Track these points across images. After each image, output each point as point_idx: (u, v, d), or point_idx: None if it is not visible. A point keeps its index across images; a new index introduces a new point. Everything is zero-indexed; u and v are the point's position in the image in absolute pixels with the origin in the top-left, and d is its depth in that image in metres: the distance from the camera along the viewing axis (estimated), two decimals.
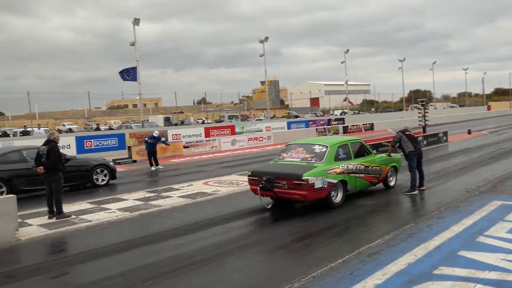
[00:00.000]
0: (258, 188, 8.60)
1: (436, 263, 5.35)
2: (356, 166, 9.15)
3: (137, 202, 10.10)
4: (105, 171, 13.20)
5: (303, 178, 8.01)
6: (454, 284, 4.70)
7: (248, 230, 7.43)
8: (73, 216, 8.88)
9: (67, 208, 9.44)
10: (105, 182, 13.12)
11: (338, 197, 8.70)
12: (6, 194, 10.71)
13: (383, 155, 10.53)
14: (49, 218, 8.77)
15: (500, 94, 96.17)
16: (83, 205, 10.09)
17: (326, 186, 8.30)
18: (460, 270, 5.08)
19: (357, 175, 9.13)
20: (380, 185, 10.38)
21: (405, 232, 6.78)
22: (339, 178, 8.65)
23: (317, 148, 8.96)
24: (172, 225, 7.98)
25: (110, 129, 33.99)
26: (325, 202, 8.51)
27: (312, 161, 8.67)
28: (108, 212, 9.18)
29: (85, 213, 9.21)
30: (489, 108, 69.62)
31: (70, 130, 37.05)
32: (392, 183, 10.50)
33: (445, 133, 22.68)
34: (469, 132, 26.25)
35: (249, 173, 9.17)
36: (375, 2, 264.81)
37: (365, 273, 5.11)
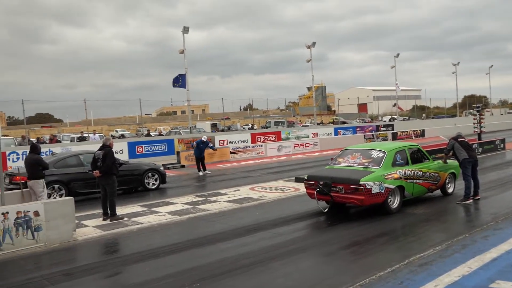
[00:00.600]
0: (315, 192, 8.72)
1: (493, 276, 5.09)
2: (414, 172, 9.05)
3: (186, 206, 10.36)
4: (156, 176, 13.60)
5: (360, 182, 8.07)
6: None
7: (295, 236, 7.41)
8: (125, 218, 9.25)
9: (120, 210, 9.84)
10: (155, 186, 13.53)
11: (395, 203, 8.70)
12: (65, 196, 11.37)
13: (441, 161, 10.27)
14: (104, 220, 9.19)
15: None
16: (135, 208, 10.49)
17: (383, 191, 8.32)
18: None
19: (414, 181, 9.04)
20: (438, 192, 10.11)
21: (458, 243, 6.50)
22: (397, 183, 8.62)
23: (374, 153, 9.00)
24: (219, 229, 8.12)
25: (160, 135, 35.09)
26: (382, 207, 8.52)
27: (369, 166, 8.71)
28: (159, 215, 9.49)
29: (137, 215, 9.57)
30: None
31: (122, 136, 38.60)
32: (450, 190, 10.28)
33: (503, 140, 21.49)
34: None
35: (306, 178, 9.36)
36: (426, 5, 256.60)
37: (416, 283, 4.96)
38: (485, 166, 15.50)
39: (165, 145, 24.47)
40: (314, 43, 38.57)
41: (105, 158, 9.19)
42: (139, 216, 9.52)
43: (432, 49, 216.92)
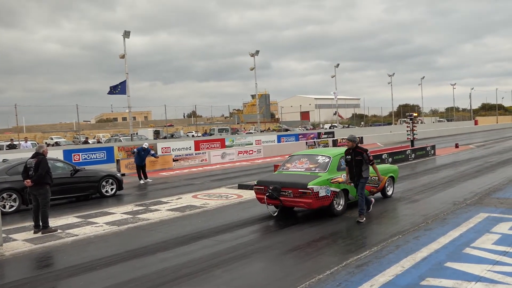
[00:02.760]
0: (265, 197, 8.94)
1: (424, 274, 5.38)
2: None
3: (125, 216, 10.01)
4: (113, 182, 13.54)
5: (308, 187, 8.39)
6: None
7: (237, 243, 7.39)
8: (59, 231, 8.76)
9: (53, 222, 9.32)
10: (112, 192, 13.43)
11: (340, 205, 9.10)
12: (19, 204, 11.28)
13: (382, 165, 10.90)
14: (35, 232, 8.64)
15: (487, 109, 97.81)
16: (70, 219, 9.97)
17: (329, 195, 8.67)
18: (447, 281, 5.11)
19: None
20: (378, 195, 10.63)
21: (392, 244, 6.82)
22: (341, 187, 9.00)
23: (321, 159, 9.38)
24: (160, 238, 7.92)
25: (99, 142, 33.75)
26: (329, 210, 8.86)
27: (316, 171, 9.05)
28: (95, 226, 9.08)
29: (72, 227, 9.10)
30: (476, 122, 70.60)
31: (56, 144, 36.73)
32: (389, 193, 10.88)
33: (433, 147, 22.94)
34: (457, 146, 26.56)
35: (256, 183, 9.57)
36: (364, 18, 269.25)
37: (353, 284, 5.12)
38: (417, 171, 16.45)
39: (104, 152, 23.55)
40: (257, 52, 39.03)
41: (38, 166, 8.66)
42: (74, 227, 9.06)
43: (370, 60, 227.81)
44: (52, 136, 47.78)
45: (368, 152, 8.72)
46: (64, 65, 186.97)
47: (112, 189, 13.45)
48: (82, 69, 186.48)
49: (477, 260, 5.83)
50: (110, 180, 13.48)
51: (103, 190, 13.23)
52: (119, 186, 13.70)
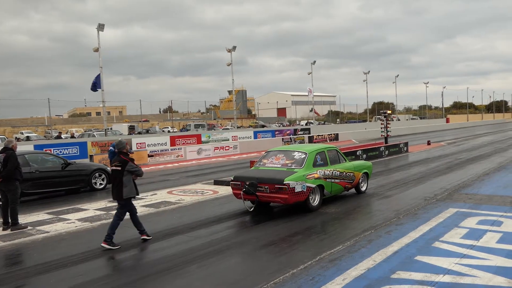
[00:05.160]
0: (242, 192, 8.95)
1: (394, 267, 5.51)
2: (332, 172, 9.64)
3: (98, 212, 9.85)
4: (103, 176, 13.62)
5: (284, 182, 8.45)
6: None
7: (212, 238, 7.38)
8: (29, 227, 8.54)
9: (23, 219, 9.08)
10: (102, 186, 13.55)
11: (316, 201, 9.19)
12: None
13: (356, 162, 11.18)
14: (4, 229, 8.40)
15: (458, 107, 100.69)
16: (41, 215, 9.73)
17: (305, 190, 8.76)
18: (416, 274, 5.25)
19: (333, 180, 9.65)
20: (352, 191, 10.86)
21: (365, 238, 6.95)
22: (317, 183, 9.12)
23: (297, 155, 9.45)
24: (134, 235, 7.80)
25: (72, 137, 33.00)
26: (304, 205, 8.97)
27: (292, 167, 9.13)
28: (67, 223, 8.90)
29: (43, 224, 8.89)
30: (447, 120, 72.51)
31: (27, 139, 35.72)
32: (363, 188, 11.08)
33: (406, 144, 23.44)
34: (429, 143, 27.23)
35: (232, 178, 9.57)
36: (339, 15, 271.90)
37: (326, 279, 5.20)
38: (390, 167, 16.79)
39: (77, 148, 23.03)
40: (234, 47, 38.91)
41: (7, 162, 8.40)
42: (45, 224, 8.85)
43: (345, 58, 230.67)
44: (23, 131, 46.44)
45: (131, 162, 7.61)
46: (34, 58, 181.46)
47: (102, 183, 13.58)
48: (53, 62, 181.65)
49: (445, 253, 6.01)
50: (100, 174, 13.61)
51: (94, 184, 13.37)
52: (109, 180, 13.56)
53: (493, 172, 13.97)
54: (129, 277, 5.63)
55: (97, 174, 13.52)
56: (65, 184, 12.79)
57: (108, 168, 14.31)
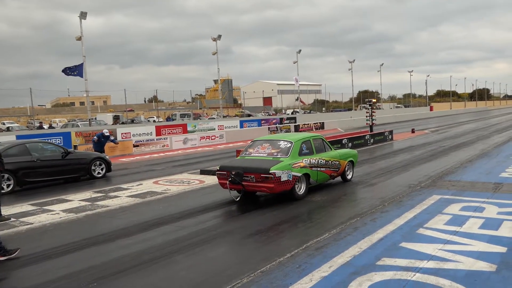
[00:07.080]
0: (228, 182, 8.93)
1: (379, 254, 5.57)
2: (318, 161, 9.69)
3: (83, 203, 9.73)
4: (102, 164, 13.92)
5: (270, 171, 8.45)
6: (396, 274, 4.92)
7: (199, 228, 7.36)
8: (12, 219, 8.41)
9: (6, 210, 8.93)
10: (101, 174, 13.84)
11: (302, 190, 9.23)
12: (14, 186, 11.58)
13: (342, 150, 11.27)
14: None
15: (442, 95, 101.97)
16: (25, 207, 9.59)
17: (291, 179, 8.77)
18: (401, 260, 5.32)
19: (318, 169, 9.69)
20: (338, 179, 10.93)
21: (351, 226, 7.01)
22: (303, 171, 9.14)
23: (282, 144, 9.45)
24: (120, 225, 7.77)
25: (50, 127, 32.45)
26: (290, 194, 8.99)
27: (278, 156, 9.13)
28: (52, 214, 8.78)
29: (26, 215, 8.75)
30: (431, 108, 73.41)
31: (8, 129, 35.04)
32: (349, 177, 11.14)
33: (391, 132, 23.66)
34: (413, 131, 27.54)
35: (218, 168, 9.54)
36: (323, 3, 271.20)
37: (312, 266, 5.24)
38: (375, 156, 16.95)
39: (60, 138, 22.70)
40: (219, 36, 38.60)
41: None
42: (29, 215, 8.72)
43: (331, 46, 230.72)
44: (4, 121, 45.54)
45: None
46: (13, 46, 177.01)
47: (101, 170, 13.86)
48: (33, 51, 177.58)
49: (429, 240, 6.10)
50: (100, 162, 13.86)
51: (93, 171, 13.60)
52: (108, 168, 14.12)
53: (476, 159, 14.21)
54: (114, 268, 5.59)
55: (97, 163, 13.74)
56: (65, 173, 12.93)
57: (107, 157, 14.74)
